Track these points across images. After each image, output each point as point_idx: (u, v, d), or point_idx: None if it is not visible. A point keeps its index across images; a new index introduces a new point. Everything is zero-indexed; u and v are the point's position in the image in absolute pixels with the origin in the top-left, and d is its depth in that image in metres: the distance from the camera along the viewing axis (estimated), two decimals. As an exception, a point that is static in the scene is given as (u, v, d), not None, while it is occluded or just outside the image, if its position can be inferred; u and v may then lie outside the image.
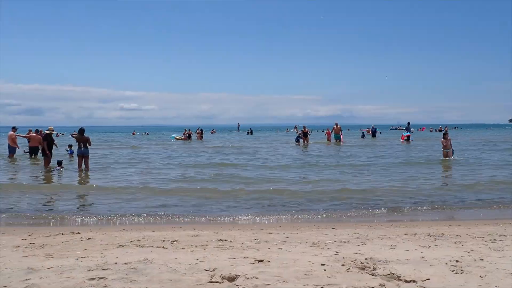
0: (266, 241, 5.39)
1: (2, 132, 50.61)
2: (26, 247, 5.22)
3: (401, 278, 3.71)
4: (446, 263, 4.15)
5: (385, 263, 4.15)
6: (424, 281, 3.63)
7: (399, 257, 4.42)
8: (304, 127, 31.11)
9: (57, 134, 23.73)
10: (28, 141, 20.07)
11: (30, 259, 4.55)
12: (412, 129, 34.98)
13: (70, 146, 20.08)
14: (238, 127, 77.09)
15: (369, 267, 4.01)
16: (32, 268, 4.10)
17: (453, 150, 17.25)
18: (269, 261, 4.28)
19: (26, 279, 3.76)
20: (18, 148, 20.16)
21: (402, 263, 4.18)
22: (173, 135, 48.23)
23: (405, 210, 8.45)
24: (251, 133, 59.26)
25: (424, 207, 8.62)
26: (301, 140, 30.56)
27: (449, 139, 17.12)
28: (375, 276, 3.78)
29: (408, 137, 33.09)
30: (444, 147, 17.04)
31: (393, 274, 3.80)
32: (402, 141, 32.88)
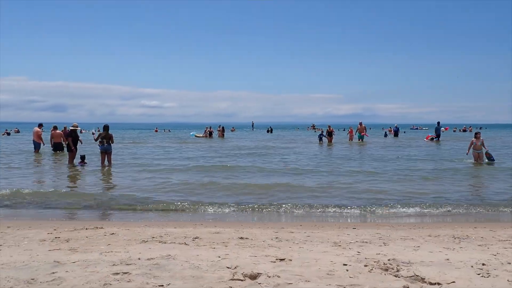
0: (287, 240, 5.38)
1: (29, 128, 51.89)
2: (52, 241, 5.34)
3: (425, 280, 3.65)
4: (472, 266, 4.06)
5: (408, 265, 4.09)
6: (449, 284, 3.57)
7: (423, 258, 4.35)
8: (329, 126, 30.68)
9: (81, 130, 24.19)
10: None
11: (56, 253, 4.65)
12: (442, 128, 33.56)
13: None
14: (253, 125, 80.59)
15: (392, 268, 3.96)
16: (58, 262, 4.19)
17: (491, 155, 16.08)
18: (291, 260, 4.27)
19: (53, 272, 3.84)
20: (44, 144, 20.63)
21: (426, 265, 4.11)
22: (192, 132, 48.65)
23: (428, 211, 8.31)
24: (271, 131, 59.33)
25: (449, 209, 8.46)
26: (324, 139, 30.32)
27: (482, 140, 16.05)
28: (399, 277, 3.73)
29: (433, 138, 32.44)
30: (475, 147, 16.01)
31: (417, 276, 3.74)
32: (426, 141, 32.35)
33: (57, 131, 19.99)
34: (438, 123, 32.72)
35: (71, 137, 15.93)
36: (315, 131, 62.74)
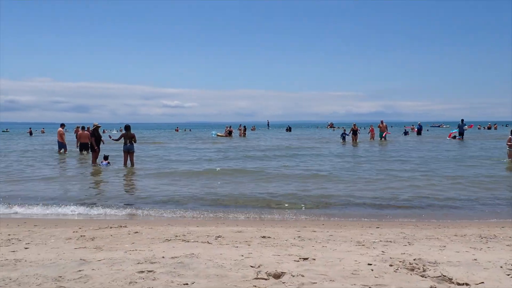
0: (309, 239, 5.35)
1: (53, 128, 53.12)
2: (77, 239, 5.43)
3: (453, 280, 3.57)
4: (501, 267, 3.96)
5: (435, 265, 4.02)
6: (478, 284, 3.49)
7: (449, 258, 4.26)
8: (354, 125, 30.13)
9: (103, 130, 24.59)
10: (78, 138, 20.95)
11: (81, 251, 4.73)
12: (465, 126, 32.39)
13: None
14: (268, 124, 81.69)
15: (419, 268, 3.89)
16: (84, 260, 4.26)
17: None
18: (314, 259, 4.24)
19: (79, 270, 3.91)
20: (65, 144, 21.08)
21: (453, 265, 4.02)
22: (214, 132, 48.99)
23: (453, 210, 8.15)
24: (290, 130, 59.33)
25: (475, 208, 8.27)
26: (347, 138, 30.01)
27: None
28: (425, 277, 3.66)
29: (455, 136, 31.77)
30: (511, 146, 15.17)
31: (445, 276, 3.66)
32: (449, 139, 31.72)
33: (84, 131, 20.40)
34: (462, 120, 31.79)
35: (94, 136, 16.17)
36: (333, 130, 62.41)
